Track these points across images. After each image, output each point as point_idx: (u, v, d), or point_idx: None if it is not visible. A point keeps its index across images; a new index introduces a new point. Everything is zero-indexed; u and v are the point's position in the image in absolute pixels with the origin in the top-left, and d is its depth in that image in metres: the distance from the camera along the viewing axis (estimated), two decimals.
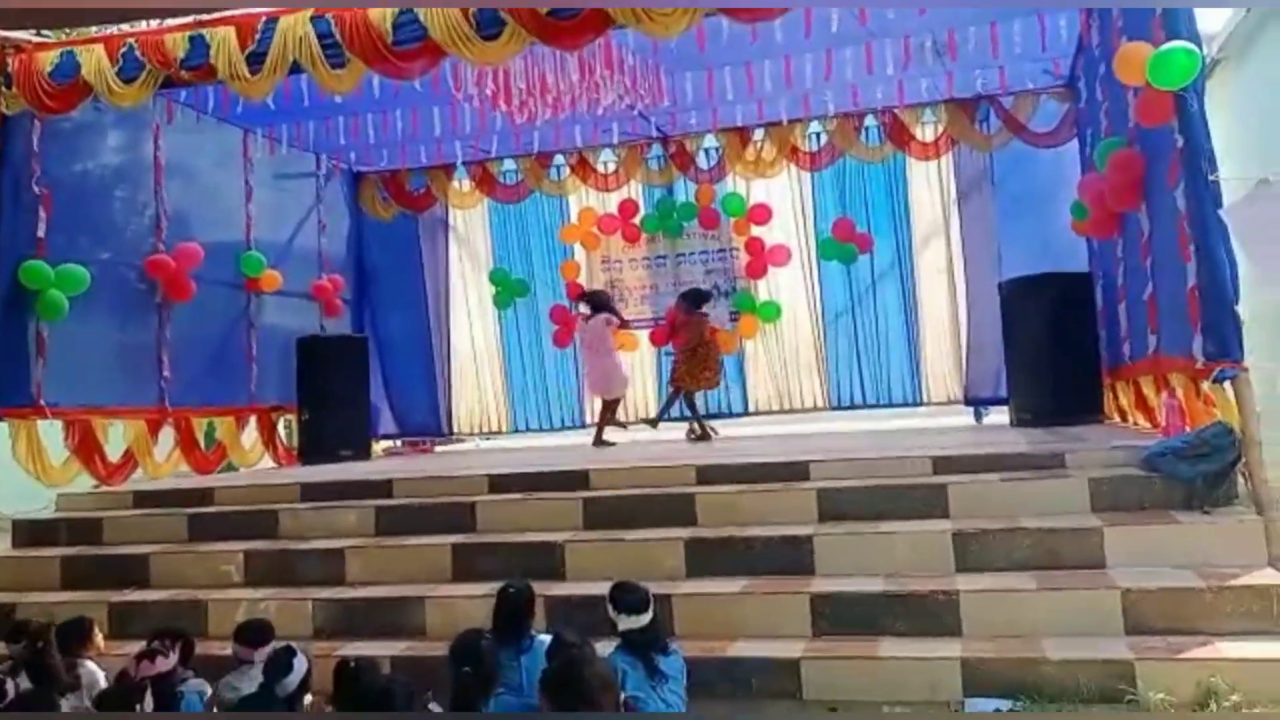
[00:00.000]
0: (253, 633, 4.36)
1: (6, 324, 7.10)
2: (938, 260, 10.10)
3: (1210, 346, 5.05)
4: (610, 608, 4.02)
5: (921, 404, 10.16)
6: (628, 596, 4.02)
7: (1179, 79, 5.03)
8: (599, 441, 9.15)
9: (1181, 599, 4.36)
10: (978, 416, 9.72)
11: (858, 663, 4.44)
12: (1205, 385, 5.27)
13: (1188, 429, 5.43)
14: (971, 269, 9.74)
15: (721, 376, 9.54)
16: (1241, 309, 4.93)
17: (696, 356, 9.18)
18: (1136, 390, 7.15)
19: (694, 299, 9.36)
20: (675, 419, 9.76)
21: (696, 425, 9.31)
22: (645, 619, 3.97)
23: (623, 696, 3.53)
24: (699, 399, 9.53)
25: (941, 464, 5.75)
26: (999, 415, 9.11)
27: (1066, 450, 5.69)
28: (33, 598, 6.10)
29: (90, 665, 4.54)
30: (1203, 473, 4.94)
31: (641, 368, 10.71)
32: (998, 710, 4.08)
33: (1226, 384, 5.00)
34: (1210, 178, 5.00)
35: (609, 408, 9.44)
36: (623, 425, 9.74)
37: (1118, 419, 7.85)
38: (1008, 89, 9.13)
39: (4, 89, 6.99)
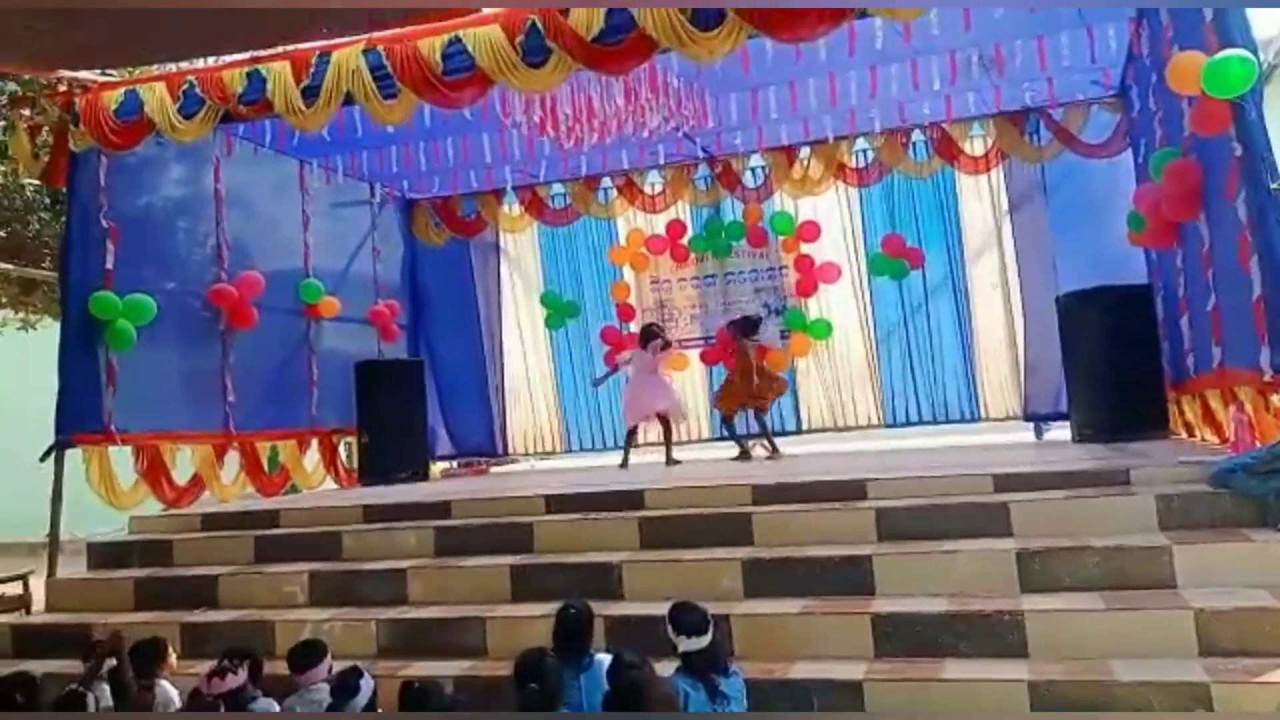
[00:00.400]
0: (302, 656, 4.41)
1: (79, 354, 7.33)
2: (991, 274, 9.99)
3: (1278, 358, 4.93)
4: (670, 629, 4.03)
5: (979, 420, 10.01)
6: (688, 617, 4.02)
7: (1235, 87, 4.95)
8: (671, 460, 9.12)
9: (1257, 619, 4.23)
10: (1038, 433, 9.55)
11: (922, 684, 4.38)
12: (1275, 398, 5.15)
13: (1258, 444, 5.30)
14: (1026, 282, 9.61)
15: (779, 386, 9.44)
16: None
17: (748, 380, 9.07)
18: (1203, 404, 6.99)
19: (744, 327, 9.23)
20: (727, 438, 9.69)
21: (765, 443, 9.18)
22: (705, 640, 3.97)
23: None
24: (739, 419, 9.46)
25: (1003, 481, 5.67)
26: (1060, 431, 8.95)
27: (1132, 466, 5.58)
28: (108, 618, 6.26)
29: (165, 684, 4.67)
30: (1275, 489, 4.80)
31: (693, 386, 10.71)
32: None
33: None
34: (1272, 186, 4.90)
35: (669, 427, 9.42)
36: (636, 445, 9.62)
37: (1183, 434, 7.67)
38: (1057, 100, 9.03)
39: (72, 127, 7.29)
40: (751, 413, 9.26)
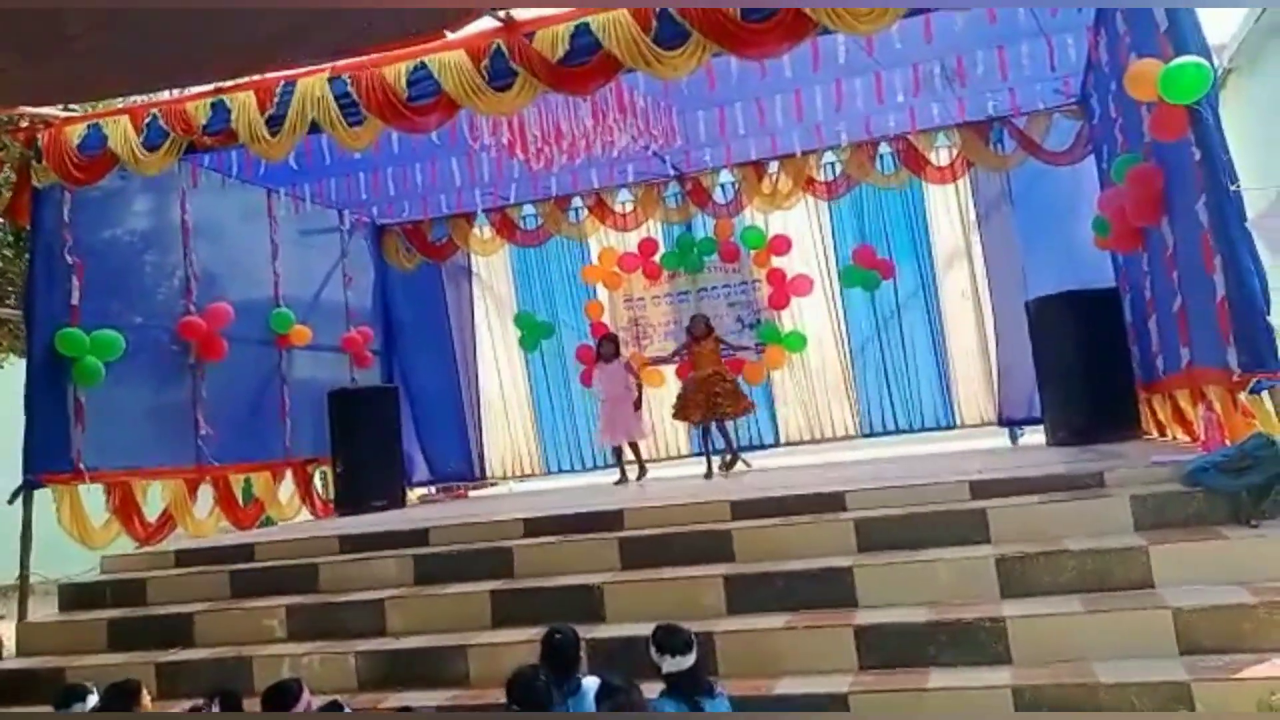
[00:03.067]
0: (275, 700, 4.27)
1: (46, 392, 7.23)
2: (962, 282, 10.08)
3: (1244, 358, 5.00)
4: (653, 650, 4.00)
5: (954, 427, 10.07)
6: (671, 639, 3.99)
7: (1192, 93, 5.04)
8: (642, 473, 9.41)
9: (1235, 616, 4.27)
10: (1013, 438, 9.63)
11: (907, 695, 4.38)
12: (1242, 396, 5.21)
13: (1228, 442, 5.36)
14: (997, 289, 9.72)
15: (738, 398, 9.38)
16: (1276, 319, 4.87)
17: (702, 386, 9.14)
18: (1173, 404, 7.07)
19: (694, 330, 9.35)
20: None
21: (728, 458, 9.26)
22: (689, 660, 3.94)
23: None
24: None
25: (979, 488, 5.69)
26: (1034, 435, 9.02)
27: (1105, 469, 5.62)
28: (81, 660, 6.15)
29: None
30: (1247, 485, 4.86)
31: (669, 403, 10.68)
32: None
33: (1264, 394, 4.94)
34: (1231, 189, 4.98)
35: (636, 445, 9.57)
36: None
37: (1155, 434, 7.76)
38: (1020, 109, 9.15)
39: (34, 163, 7.22)
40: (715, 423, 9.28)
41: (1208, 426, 5.82)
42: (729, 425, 9.39)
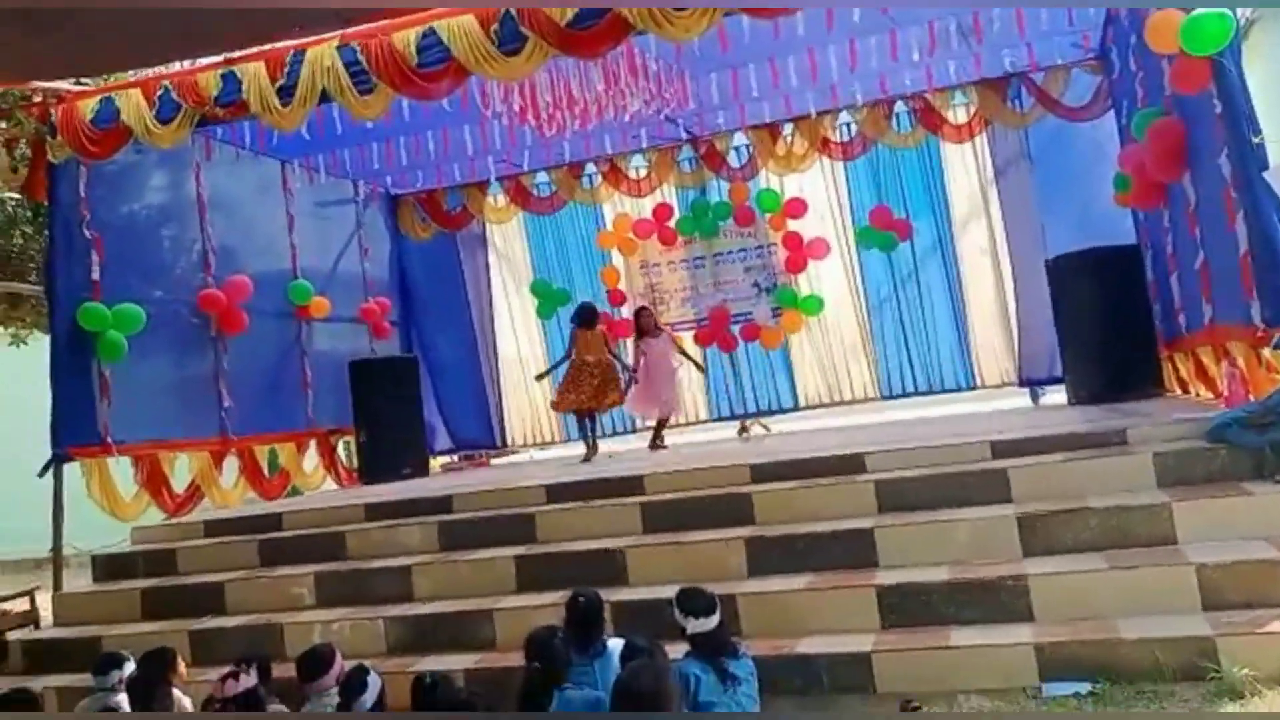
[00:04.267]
0: (309, 665, 4.37)
1: (71, 367, 7.32)
2: (980, 241, 10.00)
3: (1268, 312, 4.97)
4: (677, 612, 4.04)
5: (975, 388, 10.03)
6: (694, 601, 4.03)
7: (1213, 44, 4.95)
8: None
9: (1259, 571, 4.27)
10: (1034, 397, 9.60)
11: (930, 653, 4.42)
12: (1266, 352, 5.18)
13: (1251, 398, 5.33)
14: (1016, 248, 9.63)
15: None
16: None
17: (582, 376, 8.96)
18: (1195, 361, 7.02)
19: (579, 316, 9.15)
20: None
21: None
22: (713, 622, 3.98)
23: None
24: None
25: (1000, 448, 5.68)
26: (1056, 395, 8.99)
27: (1128, 426, 5.61)
28: (116, 630, 6.28)
29: (176, 692, 4.68)
30: (1271, 441, 4.84)
31: (685, 368, 10.68)
32: (1076, 694, 4.04)
33: None
34: (1254, 141, 4.91)
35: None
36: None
37: (1178, 391, 7.71)
38: (1038, 65, 9.01)
39: (49, 139, 7.24)
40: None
41: (1231, 382, 5.79)
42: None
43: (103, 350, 7.39)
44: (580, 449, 9.30)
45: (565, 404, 9.09)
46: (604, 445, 9.66)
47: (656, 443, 9.29)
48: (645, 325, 9.24)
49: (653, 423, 9.57)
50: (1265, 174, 4.83)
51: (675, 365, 9.33)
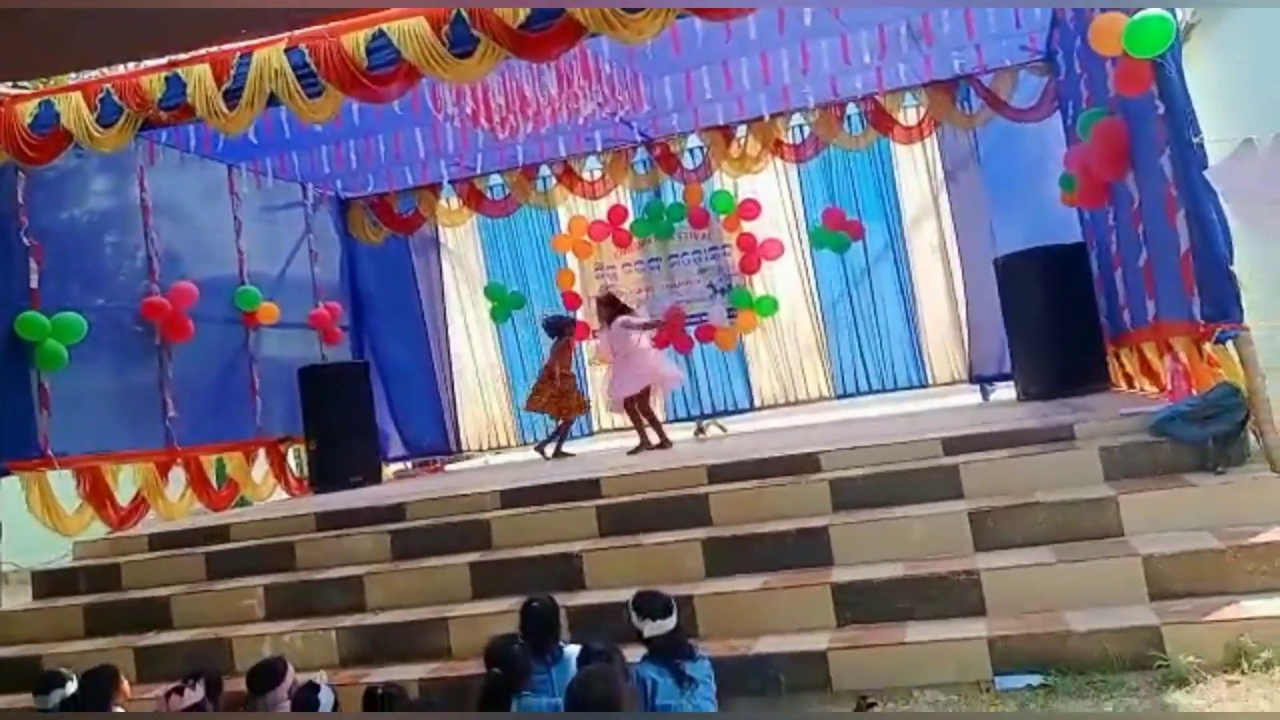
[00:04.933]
0: (260, 678, 4.28)
1: (7, 377, 7.13)
2: (931, 241, 10.10)
3: (1208, 308, 5.07)
4: (634, 615, 4.02)
5: (927, 386, 10.14)
6: (651, 603, 4.02)
7: (1155, 46, 5.05)
8: (665, 442, 8.80)
9: (1203, 561, 4.37)
10: (984, 394, 9.73)
11: (885, 650, 4.45)
12: (1208, 347, 5.28)
13: (1194, 392, 5.44)
14: (966, 248, 9.75)
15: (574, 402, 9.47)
16: (1239, 268, 4.93)
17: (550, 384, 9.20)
18: (1140, 356, 7.17)
19: (549, 326, 9.43)
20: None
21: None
22: (669, 624, 3.97)
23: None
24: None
25: (952, 445, 5.75)
26: (1005, 391, 9.12)
27: (1075, 421, 5.71)
28: (58, 647, 6.11)
29: (120, 712, 4.55)
30: (1213, 434, 4.96)
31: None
32: (1029, 686, 4.08)
33: (1229, 344, 5.01)
34: (1194, 141, 5.01)
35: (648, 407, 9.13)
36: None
37: (1124, 386, 7.86)
38: (986, 67, 9.15)
39: None
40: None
41: (1174, 377, 5.91)
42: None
43: (42, 360, 7.19)
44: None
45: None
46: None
47: (662, 438, 8.79)
48: (602, 314, 9.02)
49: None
50: (1205, 173, 4.94)
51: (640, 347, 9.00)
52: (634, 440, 8.82)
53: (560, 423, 9.56)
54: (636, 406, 8.82)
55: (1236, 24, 9.16)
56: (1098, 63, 6.32)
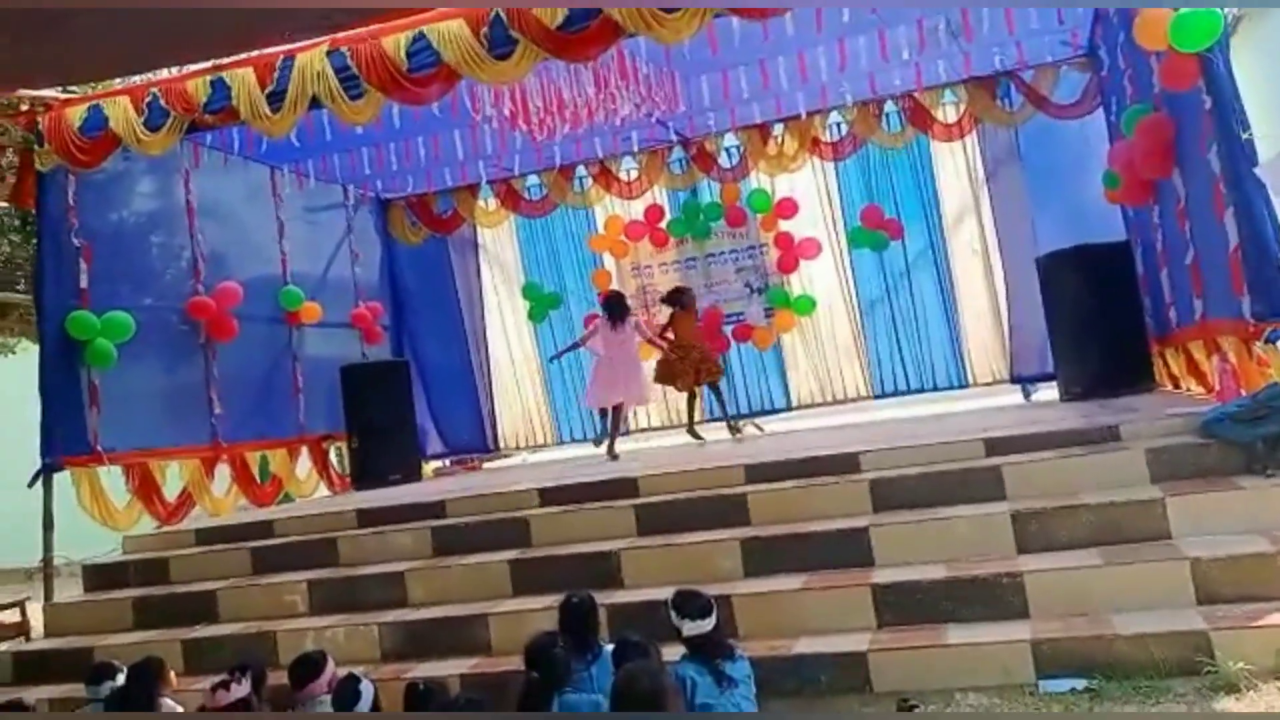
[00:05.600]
0: (300, 671, 4.36)
1: (60, 375, 7.28)
2: (971, 240, 10.02)
3: (1258, 307, 4.98)
4: (673, 614, 4.02)
5: (967, 386, 10.05)
6: (690, 603, 4.02)
7: (1202, 40, 4.97)
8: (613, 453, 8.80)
9: (1252, 565, 4.28)
10: (1026, 395, 9.61)
11: (926, 652, 4.41)
12: (1257, 347, 5.19)
13: (1243, 392, 5.34)
14: (1006, 246, 9.64)
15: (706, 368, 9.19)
16: None
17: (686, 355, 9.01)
18: (1187, 356, 7.04)
19: (671, 298, 9.28)
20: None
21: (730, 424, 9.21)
22: (709, 624, 3.97)
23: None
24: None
25: (994, 445, 5.69)
26: (1048, 392, 8.99)
27: (1120, 422, 5.61)
28: (108, 640, 6.24)
29: (168, 701, 4.65)
30: (1262, 435, 4.85)
31: None
32: (1072, 690, 4.03)
33: (1279, 344, 4.91)
34: (1243, 137, 4.92)
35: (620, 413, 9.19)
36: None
37: (1169, 387, 7.73)
38: (1027, 63, 9.03)
39: (36, 147, 7.20)
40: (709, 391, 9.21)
41: (1222, 377, 5.80)
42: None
43: (92, 358, 7.35)
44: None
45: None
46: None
47: (613, 448, 8.83)
48: (612, 313, 8.83)
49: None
50: (1254, 169, 4.85)
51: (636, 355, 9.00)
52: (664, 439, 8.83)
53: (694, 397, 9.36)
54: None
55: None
56: (1142, 58, 6.22)
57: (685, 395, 9.37)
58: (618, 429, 9.05)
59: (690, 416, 9.31)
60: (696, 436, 9.22)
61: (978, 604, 4.58)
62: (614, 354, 8.80)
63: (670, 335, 9.14)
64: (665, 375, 9.22)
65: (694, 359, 9.03)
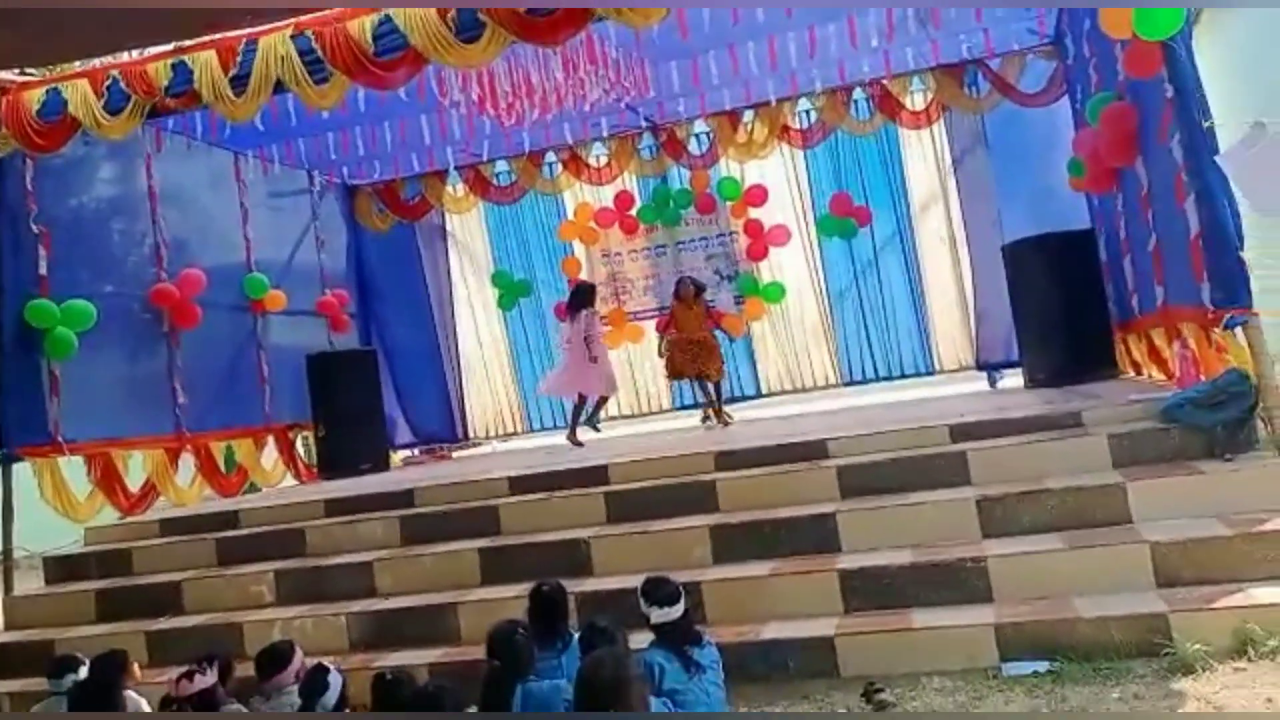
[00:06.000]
0: (268, 661, 4.31)
1: (18, 364, 7.14)
2: (939, 227, 10.08)
3: (1218, 294, 5.05)
4: (642, 601, 4.04)
5: (934, 373, 10.14)
6: (659, 590, 4.03)
7: (1166, 29, 5.00)
8: (575, 439, 8.80)
9: (1211, 548, 4.37)
10: (992, 381, 9.69)
11: (892, 636, 4.46)
12: (1216, 333, 5.26)
13: (1203, 378, 5.42)
14: (973, 233, 9.71)
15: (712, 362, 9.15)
16: (1248, 254, 4.90)
17: (688, 347, 8.98)
18: (1149, 343, 7.14)
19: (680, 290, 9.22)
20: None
21: (714, 412, 9.23)
22: (677, 611, 3.98)
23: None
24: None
25: (959, 431, 5.76)
26: (1013, 378, 9.09)
27: (1083, 408, 5.70)
28: (70, 633, 6.16)
29: (132, 694, 4.59)
30: (1222, 420, 4.95)
31: (650, 357, 10.65)
32: (1035, 673, 4.09)
33: (1238, 330, 4.99)
34: (1204, 125, 4.98)
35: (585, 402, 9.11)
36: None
37: (1132, 373, 7.84)
38: (994, 51, 9.09)
39: None
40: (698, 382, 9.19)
41: (1183, 363, 5.89)
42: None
43: (52, 347, 7.21)
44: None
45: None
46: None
47: (574, 435, 8.81)
48: (589, 300, 8.90)
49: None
50: (1215, 158, 4.91)
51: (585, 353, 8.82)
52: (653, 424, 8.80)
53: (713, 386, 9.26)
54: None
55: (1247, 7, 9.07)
56: (1107, 46, 6.27)
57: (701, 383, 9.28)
58: (577, 417, 9.02)
59: (709, 403, 9.21)
60: (720, 422, 9.11)
61: (943, 588, 4.64)
62: (566, 346, 8.92)
63: (673, 330, 9.18)
64: (670, 369, 9.24)
65: (693, 353, 8.97)
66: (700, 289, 9.34)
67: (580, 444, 8.65)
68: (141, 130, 7.45)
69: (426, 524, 6.32)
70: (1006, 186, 9.41)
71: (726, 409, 9.59)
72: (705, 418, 9.27)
